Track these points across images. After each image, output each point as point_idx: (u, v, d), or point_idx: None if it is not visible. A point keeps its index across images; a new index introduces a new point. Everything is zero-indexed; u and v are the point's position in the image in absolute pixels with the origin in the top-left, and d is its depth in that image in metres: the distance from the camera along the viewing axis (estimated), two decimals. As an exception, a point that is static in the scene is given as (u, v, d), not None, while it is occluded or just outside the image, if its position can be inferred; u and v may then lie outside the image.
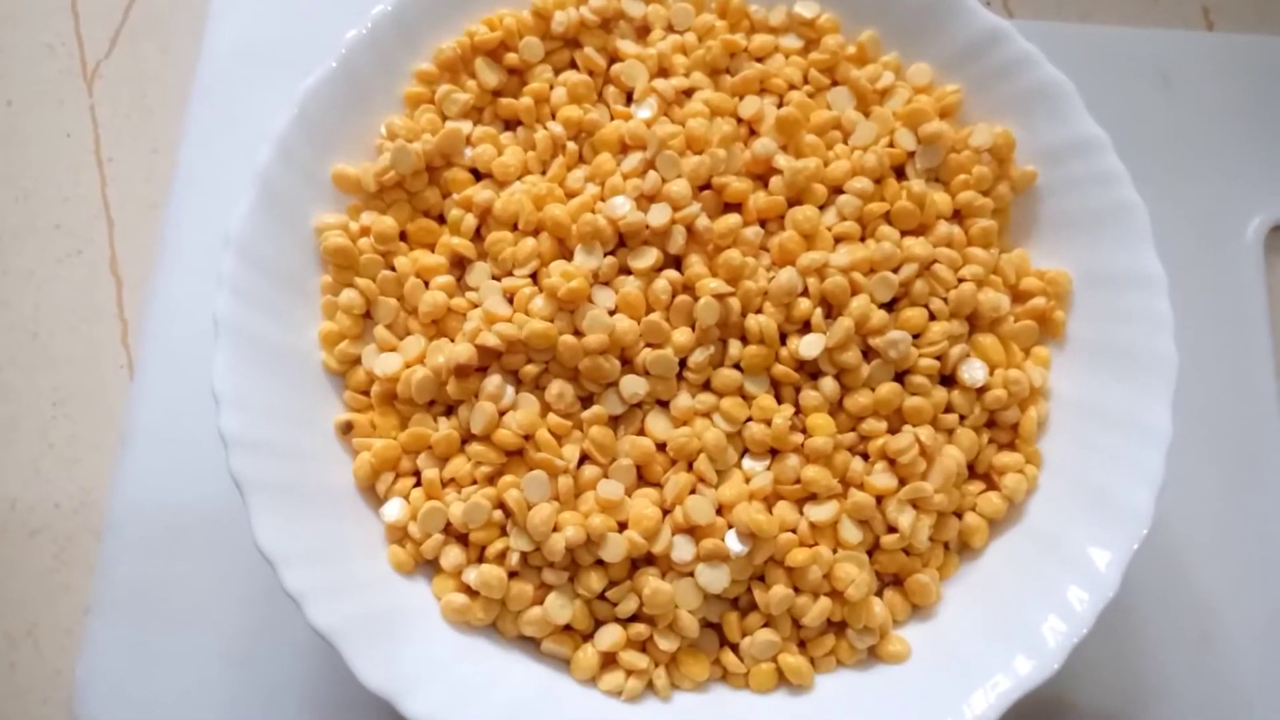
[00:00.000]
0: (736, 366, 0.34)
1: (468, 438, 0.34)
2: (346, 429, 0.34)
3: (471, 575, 0.33)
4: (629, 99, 0.37)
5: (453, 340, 0.34)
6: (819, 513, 0.33)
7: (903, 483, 0.33)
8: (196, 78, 0.47)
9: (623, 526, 0.33)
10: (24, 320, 0.45)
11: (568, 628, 0.33)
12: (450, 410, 0.34)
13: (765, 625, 0.33)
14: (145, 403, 0.42)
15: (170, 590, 0.40)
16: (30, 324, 0.45)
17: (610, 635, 0.33)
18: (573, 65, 0.38)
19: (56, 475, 0.43)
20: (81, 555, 0.42)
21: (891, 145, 0.37)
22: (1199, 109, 0.49)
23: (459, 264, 0.36)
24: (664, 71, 0.38)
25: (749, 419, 0.34)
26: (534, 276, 0.35)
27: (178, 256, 0.44)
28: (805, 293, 0.34)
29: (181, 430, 0.41)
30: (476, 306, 0.35)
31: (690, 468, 0.34)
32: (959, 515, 0.35)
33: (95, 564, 0.40)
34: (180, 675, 0.39)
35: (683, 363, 0.34)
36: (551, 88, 0.37)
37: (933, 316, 0.35)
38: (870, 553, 0.34)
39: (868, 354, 0.34)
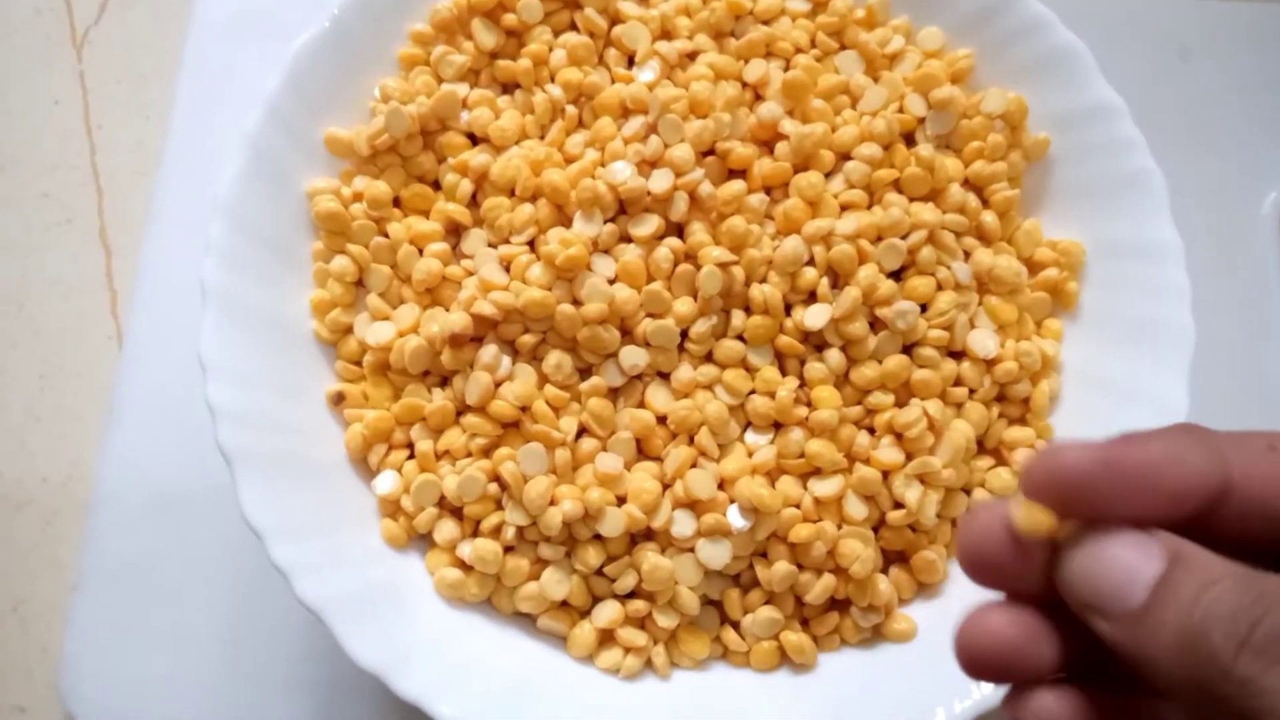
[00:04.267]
0: (740, 338, 0.33)
1: (462, 409, 0.33)
2: (338, 399, 0.34)
3: (466, 550, 0.32)
4: (630, 62, 0.36)
5: (447, 309, 0.34)
6: (823, 488, 0.32)
7: (910, 457, 0.33)
8: (187, 43, 0.46)
9: (622, 501, 0.32)
10: (11, 291, 0.44)
11: (564, 604, 0.32)
12: (445, 381, 0.34)
13: (767, 602, 0.33)
14: (134, 375, 0.41)
15: (159, 565, 0.39)
16: (17, 294, 0.44)
17: (608, 612, 0.32)
18: (573, 27, 0.37)
19: (43, 448, 0.42)
20: (69, 530, 0.41)
21: (901, 111, 0.36)
22: (1217, 81, 0.48)
23: (454, 231, 0.35)
24: (667, 34, 0.36)
25: (752, 391, 0.33)
26: (531, 244, 0.34)
27: (168, 226, 0.43)
28: (811, 261, 0.33)
29: (171, 402, 0.40)
30: (472, 274, 0.34)
31: (691, 441, 0.33)
32: (967, 491, 0.34)
33: (83, 538, 0.40)
34: (169, 651, 0.38)
35: (684, 333, 0.33)
36: (551, 50, 0.36)
37: (941, 286, 0.34)
38: (876, 529, 0.33)
39: (874, 325, 0.33)
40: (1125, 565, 0.16)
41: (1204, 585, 0.15)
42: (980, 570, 0.18)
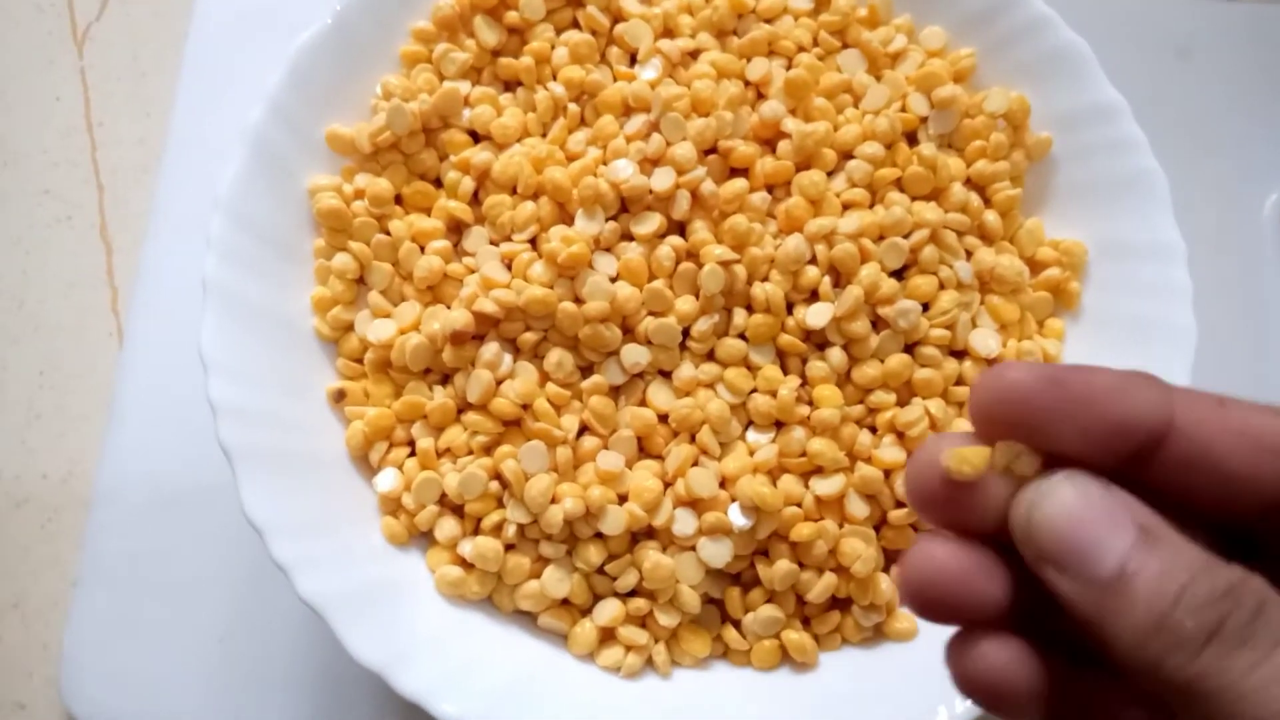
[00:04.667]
0: (741, 336, 0.33)
1: (464, 407, 0.33)
2: (339, 397, 0.34)
3: (467, 548, 0.32)
4: (633, 60, 0.36)
5: (449, 307, 0.33)
6: (825, 487, 0.32)
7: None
8: (189, 40, 0.46)
9: (623, 499, 0.32)
10: (12, 288, 0.44)
11: (565, 602, 0.32)
12: (446, 379, 0.33)
13: (768, 601, 0.32)
14: (135, 372, 0.41)
15: (160, 563, 0.39)
16: (18, 291, 0.44)
17: (609, 610, 0.32)
18: (575, 24, 0.37)
19: (44, 445, 0.42)
20: (69, 527, 0.41)
21: (903, 110, 0.36)
22: (1217, 81, 0.48)
23: (456, 228, 0.35)
24: (669, 32, 0.36)
25: (754, 390, 0.33)
26: (533, 242, 0.34)
27: (169, 222, 0.43)
28: (813, 260, 0.33)
29: (172, 400, 0.40)
30: (473, 272, 0.34)
31: (693, 440, 0.33)
32: (969, 491, 0.34)
33: (83, 536, 0.40)
34: (169, 649, 0.38)
35: (686, 332, 0.33)
36: (553, 47, 0.36)
37: (943, 286, 0.34)
38: (878, 528, 0.33)
39: (876, 324, 0.33)
40: (1093, 528, 0.16)
41: (1179, 569, 0.16)
42: (927, 507, 0.18)
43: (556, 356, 0.32)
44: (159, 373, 0.41)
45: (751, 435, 0.33)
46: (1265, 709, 0.15)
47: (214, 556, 0.39)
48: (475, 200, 0.35)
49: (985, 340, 0.33)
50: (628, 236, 0.33)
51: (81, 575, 0.39)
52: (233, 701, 0.37)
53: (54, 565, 0.40)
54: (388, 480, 0.33)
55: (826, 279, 0.33)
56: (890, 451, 0.32)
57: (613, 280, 0.33)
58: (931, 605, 0.18)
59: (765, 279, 0.33)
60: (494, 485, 0.32)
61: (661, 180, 0.33)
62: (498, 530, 0.32)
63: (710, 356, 0.33)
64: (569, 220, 0.33)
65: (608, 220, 0.33)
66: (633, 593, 0.32)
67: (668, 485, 0.32)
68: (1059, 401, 0.17)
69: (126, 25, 0.48)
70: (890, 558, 0.33)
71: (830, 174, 0.35)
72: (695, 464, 0.32)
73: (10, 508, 0.41)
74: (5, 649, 0.39)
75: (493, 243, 0.34)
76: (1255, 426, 0.17)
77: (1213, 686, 0.15)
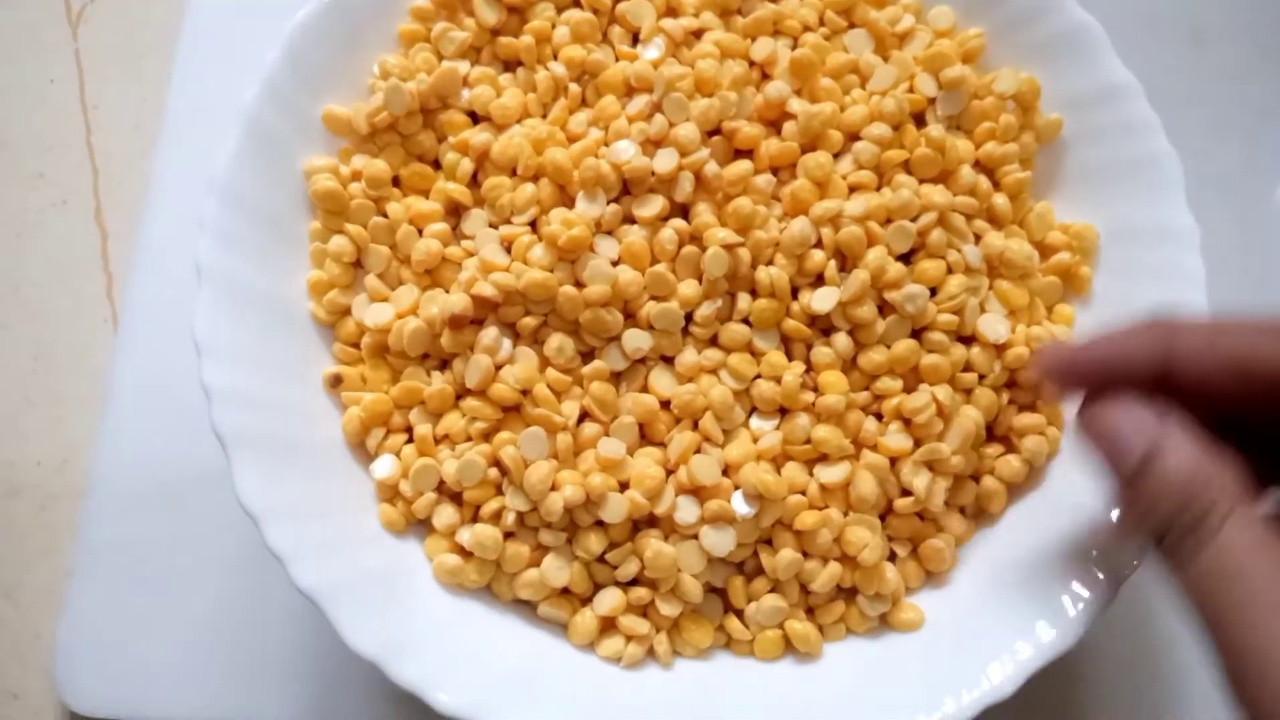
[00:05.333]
0: (745, 321, 0.33)
1: (462, 392, 0.32)
2: (335, 382, 0.33)
3: (465, 536, 0.32)
4: (635, 39, 0.36)
5: (447, 290, 0.33)
6: (830, 474, 0.32)
7: (918, 444, 0.32)
8: (185, 21, 0.45)
9: (624, 486, 0.31)
10: (5, 273, 0.43)
11: (565, 591, 0.32)
12: (444, 364, 0.33)
13: (772, 590, 0.32)
14: (130, 358, 0.41)
15: (155, 551, 0.38)
16: (12, 276, 0.43)
17: (610, 599, 0.31)
18: (576, 3, 0.36)
19: (38, 432, 0.41)
20: (63, 515, 0.40)
21: (911, 91, 0.35)
22: (1230, 68, 0.47)
23: (454, 211, 0.34)
24: (672, 10, 0.36)
25: (757, 376, 0.32)
26: (533, 224, 0.33)
27: (165, 207, 0.43)
28: (818, 244, 0.32)
29: (168, 386, 0.39)
30: (472, 255, 0.33)
31: (695, 426, 0.32)
32: (976, 479, 0.33)
33: (77, 524, 0.39)
34: (164, 639, 0.38)
35: (689, 317, 0.32)
36: (554, 26, 0.35)
37: (951, 270, 0.33)
38: (883, 517, 0.33)
39: (883, 309, 0.33)
40: (1122, 437, 0.24)
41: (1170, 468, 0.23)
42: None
43: (557, 341, 0.32)
44: (155, 359, 0.40)
45: (755, 422, 0.32)
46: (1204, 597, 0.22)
47: (210, 545, 0.38)
48: (474, 182, 0.34)
49: (994, 325, 0.33)
50: (629, 219, 0.33)
51: (76, 564, 0.38)
52: (228, 690, 0.37)
53: (48, 554, 0.40)
54: (385, 467, 0.32)
55: (832, 263, 0.32)
56: (896, 439, 0.32)
57: (614, 264, 0.32)
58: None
59: (770, 263, 0.32)
60: (493, 472, 0.31)
61: (664, 162, 0.32)
62: (497, 518, 0.31)
63: (713, 342, 0.33)
64: (569, 203, 0.33)
65: (609, 203, 0.32)
66: (634, 582, 0.32)
67: (670, 472, 0.32)
68: (1086, 365, 0.26)
69: (122, 6, 0.47)
70: (896, 547, 0.33)
71: (836, 156, 0.34)
72: (698, 451, 0.32)
73: (4, 496, 0.41)
74: (-1, 638, 0.39)
75: (492, 225, 0.34)
76: (1240, 353, 0.23)
77: (1171, 557, 0.23)
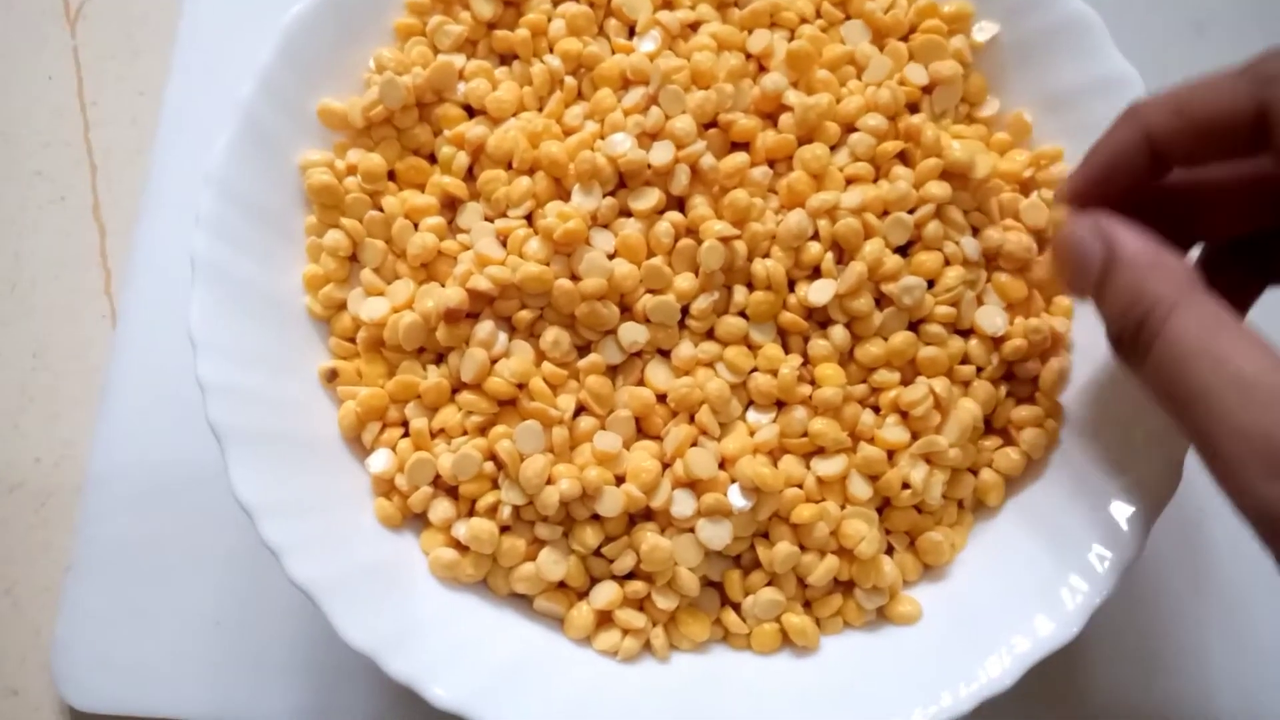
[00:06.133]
0: (742, 314, 0.32)
1: (458, 386, 0.32)
2: (331, 376, 0.33)
3: (461, 530, 0.31)
4: (631, 32, 0.35)
5: (443, 284, 0.33)
6: (827, 467, 0.32)
7: (915, 437, 0.32)
8: (182, 18, 0.45)
9: (620, 480, 0.31)
10: (3, 270, 0.43)
11: (561, 585, 0.32)
12: (440, 358, 0.33)
13: (769, 584, 0.32)
14: (128, 354, 0.41)
15: (153, 547, 0.38)
16: (10, 273, 0.43)
17: (606, 593, 0.31)
18: (572, -4, 0.36)
19: (36, 429, 0.41)
20: (62, 512, 0.40)
21: (903, 84, 0.35)
22: (1231, 59, 0.46)
23: (450, 204, 0.34)
24: (668, 3, 0.36)
25: (754, 369, 0.32)
26: (529, 218, 0.33)
27: (163, 203, 0.43)
28: (815, 236, 0.32)
29: (166, 383, 0.40)
30: (468, 249, 0.33)
31: (692, 420, 0.32)
32: (974, 472, 0.33)
33: (76, 521, 0.39)
34: (163, 635, 0.38)
35: (685, 310, 0.32)
36: (549, 20, 0.35)
37: (949, 262, 0.33)
38: (880, 510, 0.32)
39: (880, 301, 0.33)
40: (1084, 248, 0.25)
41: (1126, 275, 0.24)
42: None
43: (553, 335, 0.32)
44: (153, 356, 0.40)
45: (752, 415, 0.32)
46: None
47: (208, 541, 0.38)
48: (470, 176, 0.34)
49: (991, 318, 0.33)
50: (625, 212, 0.33)
51: (74, 560, 0.39)
52: (225, 686, 0.37)
53: (46, 550, 0.40)
54: (381, 461, 0.32)
55: (829, 255, 0.32)
56: (894, 431, 0.32)
57: (610, 257, 0.32)
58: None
59: (766, 255, 0.32)
60: (489, 466, 0.31)
61: (660, 154, 0.32)
62: (493, 512, 0.31)
63: (710, 335, 0.33)
64: (565, 196, 0.33)
65: (605, 196, 0.32)
66: (630, 575, 0.32)
67: (666, 466, 0.31)
68: (1096, 180, 0.28)
69: (119, 3, 0.47)
70: (893, 540, 0.33)
71: (833, 148, 0.34)
72: (694, 444, 0.32)
73: (2, 492, 0.41)
74: (-3, 634, 0.39)
75: (487, 219, 0.33)
76: (1205, 110, 0.26)
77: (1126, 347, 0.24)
